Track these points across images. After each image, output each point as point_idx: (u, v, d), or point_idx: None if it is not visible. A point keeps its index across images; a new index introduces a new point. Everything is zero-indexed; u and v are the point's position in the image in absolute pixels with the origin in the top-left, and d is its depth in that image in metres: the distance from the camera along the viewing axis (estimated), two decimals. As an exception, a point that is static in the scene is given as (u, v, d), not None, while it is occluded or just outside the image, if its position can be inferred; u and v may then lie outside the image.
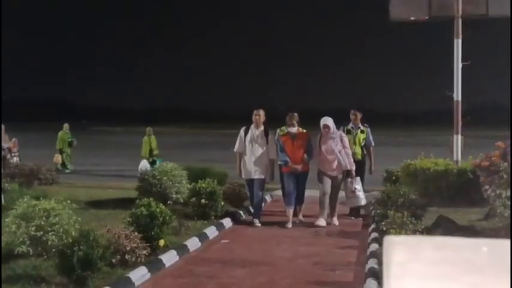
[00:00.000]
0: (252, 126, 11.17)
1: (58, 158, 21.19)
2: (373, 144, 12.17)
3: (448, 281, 1.08)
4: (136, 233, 7.61)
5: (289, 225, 10.63)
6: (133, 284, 6.85)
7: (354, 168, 10.95)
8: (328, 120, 10.93)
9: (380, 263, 7.27)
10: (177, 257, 8.10)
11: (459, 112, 13.35)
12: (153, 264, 7.49)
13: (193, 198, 10.86)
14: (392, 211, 9.14)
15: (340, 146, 10.85)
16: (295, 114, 11.04)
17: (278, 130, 11.30)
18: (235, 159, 11.48)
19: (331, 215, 10.89)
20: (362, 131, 11.94)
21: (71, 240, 6.84)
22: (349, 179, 10.96)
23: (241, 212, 11.68)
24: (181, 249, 8.42)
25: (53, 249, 7.24)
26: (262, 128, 11.17)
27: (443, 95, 13.80)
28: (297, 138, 10.88)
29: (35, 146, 28.95)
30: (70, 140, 21.69)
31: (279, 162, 11.10)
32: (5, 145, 18.93)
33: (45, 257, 7.33)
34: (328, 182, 10.85)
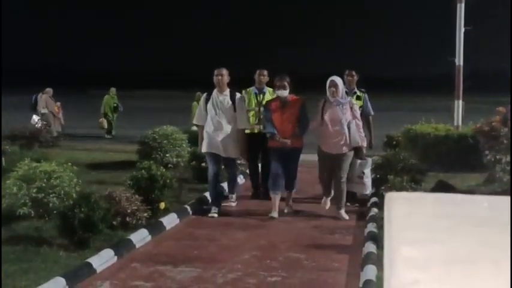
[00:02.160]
0: (215, 91, 8.98)
1: (103, 122, 20.74)
2: (372, 113, 9.82)
3: (449, 234, 1.09)
4: (137, 196, 7.65)
5: (275, 214, 8.51)
6: (135, 245, 6.92)
7: (365, 144, 8.77)
8: (336, 78, 8.53)
9: (379, 227, 7.32)
10: (178, 219, 8.15)
11: (460, 77, 13.28)
12: (154, 226, 7.55)
13: (194, 162, 10.88)
14: (392, 176, 9.18)
15: (349, 115, 8.42)
16: (286, 76, 8.73)
17: (243, 92, 9.69)
18: None
19: (337, 206, 8.59)
20: (358, 97, 9.56)
21: (71, 202, 6.89)
22: (358, 160, 8.68)
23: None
24: (182, 212, 8.47)
25: (54, 211, 7.29)
26: (227, 91, 8.98)
27: (444, 60, 13.71)
28: (287, 106, 8.61)
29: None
30: (116, 105, 21.11)
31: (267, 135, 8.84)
32: (44, 110, 18.91)
33: (47, 218, 7.38)
34: (330, 164, 8.58)
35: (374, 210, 8.49)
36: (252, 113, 9.67)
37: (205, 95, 9.16)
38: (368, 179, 8.85)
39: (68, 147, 15.78)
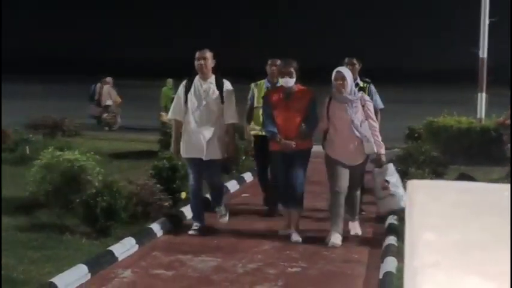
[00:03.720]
0: (197, 78, 7.24)
1: (163, 115, 18.33)
2: (381, 106, 8.28)
3: (469, 221, 1.11)
4: (158, 185, 7.70)
5: (296, 237, 6.93)
6: (155, 234, 6.98)
7: (383, 151, 6.94)
8: (344, 70, 6.91)
9: (400, 219, 7.31)
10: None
11: (484, 70, 13.16)
12: (175, 216, 7.60)
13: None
14: (413, 168, 9.15)
15: (361, 115, 6.76)
16: (292, 61, 7.08)
17: (252, 85, 8.26)
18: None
19: (349, 216, 7.16)
20: (362, 89, 7.80)
21: (94, 191, 6.96)
22: (376, 169, 7.07)
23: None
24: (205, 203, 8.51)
25: (77, 199, 7.37)
26: (212, 78, 7.25)
27: (468, 52, 13.59)
28: (293, 98, 6.93)
29: (61, 98, 29.21)
30: (173, 96, 20.14)
31: (267, 134, 7.20)
32: (109, 102, 18.84)
33: (69, 206, 7.47)
34: (342, 175, 6.82)
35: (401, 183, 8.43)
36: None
37: (184, 82, 7.31)
38: (397, 188, 6.96)
39: (90, 137, 15.90)
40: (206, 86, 7.19)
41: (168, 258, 6.25)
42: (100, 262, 5.87)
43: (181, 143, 7.21)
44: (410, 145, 11.10)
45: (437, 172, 9.35)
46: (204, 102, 7.13)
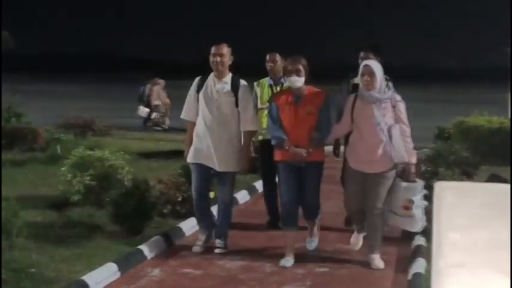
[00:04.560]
0: (211, 76, 6.44)
1: None
2: None
3: (495, 222, 1.10)
4: (187, 185, 7.75)
5: (288, 261, 6.08)
6: (184, 233, 7.02)
7: (415, 160, 5.99)
8: (373, 64, 5.95)
9: (429, 220, 7.25)
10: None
11: (516, 69, 12.98)
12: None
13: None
14: (443, 168, 9.07)
15: (391, 117, 5.85)
16: (301, 58, 6.16)
17: (255, 84, 7.35)
18: None
19: (368, 248, 6.19)
20: None
21: (124, 190, 7.04)
22: (403, 184, 5.93)
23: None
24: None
25: (107, 199, 7.45)
26: (228, 77, 6.45)
27: (499, 50, 13.43)
28: (303, 101, 6.07)
29: (92, 98, 29.55)
30: None
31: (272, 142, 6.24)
32: (157, 102, 18.97)
33: (99, 205, 7.54)
34: (362, 187, 5.98)
35: (423, 203, 8.38)
36: (266, 112, 6.81)
37: (197, 79, 6.54)
38: (418, 210, 5.98)
39: (119, 136, 16.04)
40: (220, 85, 6.36)
41: (196, 257, 6.28)
42: (129, 261, 5.93)
43: (190, 148, 6.48)
44: (440, 145, 11.00)
45: (467, 172, 9.25)
46: (215, 104, 6.32)
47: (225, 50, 6.36)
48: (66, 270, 5.50)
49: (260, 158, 7.46)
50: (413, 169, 5.92)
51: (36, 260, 5.62)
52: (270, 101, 6.45)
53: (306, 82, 6.12)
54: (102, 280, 5.40)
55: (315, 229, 6.57)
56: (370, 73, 5.80)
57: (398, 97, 5.98)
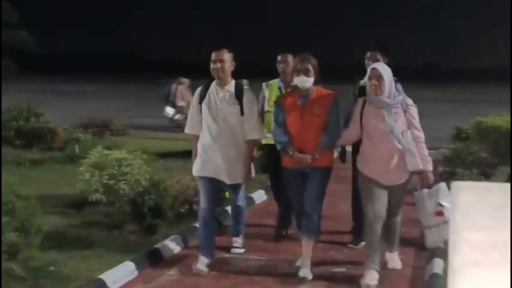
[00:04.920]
0: (213, 85, 6.06)
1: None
2: None
3: (510, 222, 1.11)
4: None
5: (306, 272, 5.72)
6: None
7: (431, 167, 5.53)
8: (381, 67, 5.52)
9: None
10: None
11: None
12: (220, 215, 7.65)
13: (260, 152, 10.96)
14: (461, 169, 9.03)
15: (403, 123, 5.43)
16: (310, 57, 5.73)
17: (264, 85, 7.14)
18: None
19: (386, 247, 5.88)
20: None
21: (141, 190, 7.08)
22: (425, 191, 5.73)
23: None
24: (247, 201, 8.54)
25: (125, 198, 7.50)
26: (231, 84, 6.06)
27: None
28: (311, 103, 5.68)
29: (109, 98, 29.73)
30: None
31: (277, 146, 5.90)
32: (181, 103, 18.89)
33: (117, 204, 7.59)
34: (379, 199, 5.50)
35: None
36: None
37: (199, 89, 6.14)
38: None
39: (137, 136, 16.13)
40: (223, 94, 5.97)
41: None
42: (147, 260, 5.96)
43: (196, 161, 6.09)
44: (458, 145, 10.95)
45: (485, 173, 9.20)
46: (220, 115, 5.94)
47: (226, 55, 5.94)
48: (84, 269, 5.54)
49: (268, 161, 7.33)
50: (431, 176, 5.52)
51: (54, 259, 5.67)
52: (275, 103, 6.05)
53: (315, 83, 5.73)
54: (119, 279, 5.44)
55: (309, 252, 5.80)
56: (378, 77, 5.38)
57: (409, 101, 5.55)
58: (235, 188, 6.25)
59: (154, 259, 6.07)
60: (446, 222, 5.51)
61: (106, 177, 7.62)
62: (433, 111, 27.77)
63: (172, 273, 5.84)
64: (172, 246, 6.43)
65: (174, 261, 6.18)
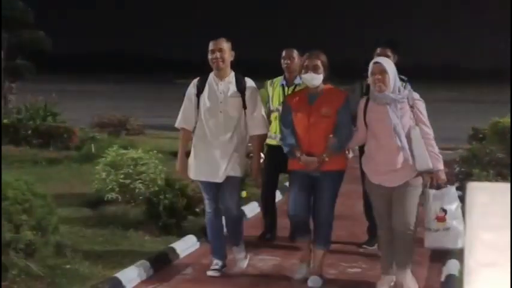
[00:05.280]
0: (211, 76, 5.64)
1: None
2: None
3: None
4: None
5: (301, 272, 5.60)
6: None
7: (441, 166, 5.12)
8: (384, 61, 5.18)
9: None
10: (259, 208, 8.24)
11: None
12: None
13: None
14: (477, 170, 8.97)
15: (409, 119, 5.07)
16: (320, 53, 5.40)
17: (267, 83, 6.76)
18: None
19: (398, 266, 5.29)
20: None
21: (157, 189, 7.11)
22: (431, 191, 5.09)
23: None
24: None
25: (140, 197, 7.53)
26: (231, 76, 5.64)
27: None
28: (319, 102, 5.33)
29: (127, 98, 29.86)
30: None
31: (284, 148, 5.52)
32: None
33: (133, 204, 7.64)
34: (385, 202, 5.18)
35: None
36: (275, 115, 6.49)
37: (195, 81, 5.69)
38: (455, 222, 4.99)
39: (153, 136, 16.18)
40: (223, 86, 5.56)
41: (229, 256, 6.31)
42: (163, 258, 5.99)
43: (191, 160, 5.67)
44: (474, 146, 10.89)
45: (502, 174, 9.13)
46: (220, 108, 5.52)
47: (225, 45, 5.53)
48: (100, 268, 5.57)
49: (266, 164, 6.62)
50: (442, 176, 5.08)
51: (71, 257, 5.71)
52: (283, 102, 5.78)
53: (325, 81, 5.40)
54: (135, 277, 5.47)
55: (320, 261, 5.53)
56: (381, 71, 5.03)
57: (416, 95, 5.19)
58: (229, 184, 5.55)
59: (171, 258, 6.09)
60: (447, 228, 5.01)
61: (122, 176, 7.67)
62: (451, 111, 27.65)
63: (188, 271, 5.85)
64: (188, 245, 6.45)
65: (190, 259, 6.20)
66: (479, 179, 8.53)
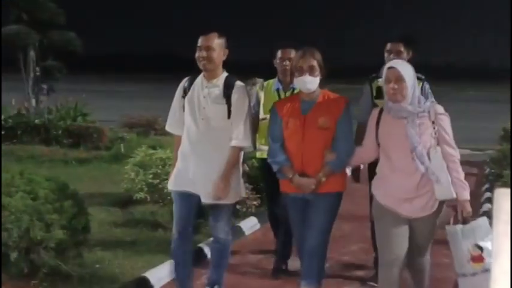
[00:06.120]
0: (200, 78, 4.77)
1: None
2: None
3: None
4: (247, 184, 7.80)
5: None
6: (244, 233, 7.09)
7: (467, 195, 4.19)
8: (401, 65, 4.25)
9: (491, 224, 7.10)
10: (259, 224, 8.10)
11: None
12: (263, 214, 7.68)
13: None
14: (508, 171, 8.86)
15: (430, 137, 4.18)
16: (314, 51, 4.50)
17: (258, 86, 5.99)
18: None
19: None
20: None
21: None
22: (458, 228, 4.17)
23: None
24: (235, 231, 8.40)
25: (169, 197, 7.57)
26: (220, 77, 4.74)
27: None
28: (314, 110, 4.47)
29: (156, 98, 30.02)
30: None
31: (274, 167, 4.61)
32: None
33: (162, 204, 7.68)
34: (399, 235, 4.27)
35: (487, 206, 8.23)
36: (266, 124, 5.08)
37: (184, 81, 4.88)
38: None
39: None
40: (209, 89, 4.68)
41: (256, 256, 6.34)
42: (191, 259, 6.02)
43: (172, 170, 4.89)
44: (505, 147, 10.73)
45: (534, 175, 9.00)
46: (202, 114, 4.66)
47: (215, 42, 4.64)
48: (129, 267, 5.63)
49: (262, 177, 6.09)
50: (468, 207, 4.17)
51: (100, 257, 5.78)
52: (270, 110, 4.79)
53: (321, 85, 4.54)
54: (164, 277, 5.51)
55: None
56: (398, 78, 4.13)
57: (440, 108, 4.26)
58: (215, 211, 4.76)
59: (198, 257, 6.12)
60: (487, 270, 3.97)
61: (150, 176, 7.71)
62: (481, 111, 27.34)
63: (215, 272, 5.87)
64: (215, 245, 6.48)
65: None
66: (509, 180, 8.43)
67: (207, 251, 6.28)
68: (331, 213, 4.55)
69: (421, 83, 5.21)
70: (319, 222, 4.49)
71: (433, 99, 4.88)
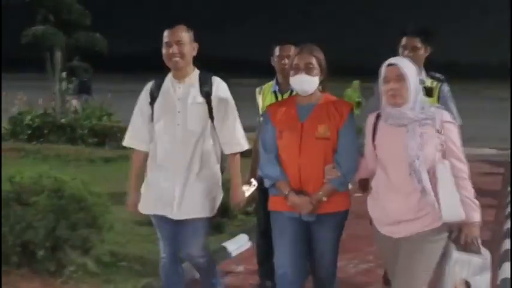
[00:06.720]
0: (169, 78, 4.21)
1: None
2: (456, 120, 4.11)
3: None
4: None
5: None
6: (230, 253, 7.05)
7: (478, 217, 3.54)
8: (402, 62, 3.53)
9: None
10: (249, 243, 8.03)
11: None
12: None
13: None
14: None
15: (434, 148, 3.46)
16: (314, 48, 3.87)
17: (256, 91, 5.08)
18: None
19: None
20: (428, 91, 4.47)
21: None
22: (454, 253, 3.54)
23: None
24: (219, 253, 8.31)
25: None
26: (193, 76, 4.18)
27: None
28: (313, 116, 3.83)
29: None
30: (359, 100, 15.86)
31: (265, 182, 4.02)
32: None
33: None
34: (394, 260, 3.62)
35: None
36: None
37: (149, 86, 4.29)
38: None
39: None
40: (182, 90, 4.13)
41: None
42: (214, 257, 6.03)
43: (143, 189, 4.34)
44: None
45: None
46: (178, 120, 4.10)
47: (184, 35, 4.07)
48: (153, 266, 5.66)
49: (258, 194, 5.16)
50: (476, 231, 3.57)
51: (125, 255, 5.82)
52: (262, 115, 4.33)
53: (322, 87, 3.92)
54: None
55: None
56: (398, 77, 3.50)
57: (447, 115, 3.58)
58: (188, 229, 4.18)
59: (222, 256, 6.14)
60: None
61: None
62: (503, 110, 26.96)
63: (239, 270, 5.91)
64: (239, 244, 6.50)
65: (241, 259, 6.24)
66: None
67: (231, 249, 6.31)
68: (337, 236, 3.99)
69: (440, 84, 4.63)
70: (325, 248, 3.97)
71: (453, 103, 4.55)
